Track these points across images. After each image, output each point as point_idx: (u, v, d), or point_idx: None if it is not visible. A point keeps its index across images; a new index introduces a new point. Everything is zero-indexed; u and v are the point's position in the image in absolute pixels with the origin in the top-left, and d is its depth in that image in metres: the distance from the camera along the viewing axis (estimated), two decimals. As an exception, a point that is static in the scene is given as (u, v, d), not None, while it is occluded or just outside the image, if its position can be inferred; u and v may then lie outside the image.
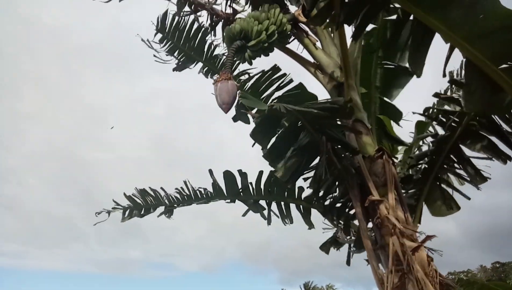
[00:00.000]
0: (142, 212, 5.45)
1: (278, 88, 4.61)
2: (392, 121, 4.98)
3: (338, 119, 3.60)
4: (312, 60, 3.89)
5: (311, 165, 3.71)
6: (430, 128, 4.82)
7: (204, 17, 4.16)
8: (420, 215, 4.22)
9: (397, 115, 4.93)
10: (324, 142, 3.30)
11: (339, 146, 3.57)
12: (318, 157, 3.58)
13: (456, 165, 4.16)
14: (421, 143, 4.98)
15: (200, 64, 5.14)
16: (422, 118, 4.75)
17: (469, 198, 4.40)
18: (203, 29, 4.62)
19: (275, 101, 4.59)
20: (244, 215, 4.98)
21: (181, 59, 5.06)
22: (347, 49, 3.59)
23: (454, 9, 2.43)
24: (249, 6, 3.95)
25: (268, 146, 3.61)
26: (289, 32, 3.20)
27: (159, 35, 4.88)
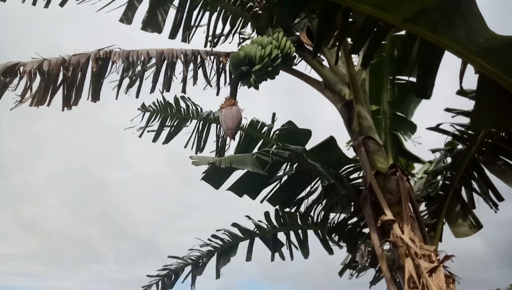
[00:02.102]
0: (172, 279, 5.74)
1: (270, 126, 4.89)
2: (407, 137, 4.92)
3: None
4: (320, 79, 3.92)
5: (310, 189, 3.77)
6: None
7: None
8: (441, 232, 4.06)
9: (411, 130, 4.85)
10: (314, 170, 3.37)
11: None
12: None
13: (474, 181, 4.01)
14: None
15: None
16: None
17: (496, 210, 4.20)
18: None
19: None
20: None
21: None
22: (353, 67, 3.61)
23: (456, 31, 2.42)
24: (255, 34, 4.06)
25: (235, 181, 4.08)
26: (294, 55, 3.25)
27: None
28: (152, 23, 3.55)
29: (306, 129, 4.60)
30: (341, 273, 5.19)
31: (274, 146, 4.50)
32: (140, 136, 4.93)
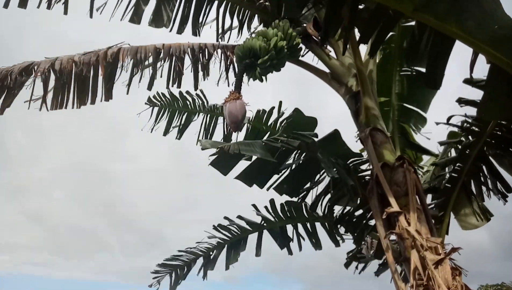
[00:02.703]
0: (185, 271, 5.76)
1: (277, 117, 4.80)
2: (417, 130, 4.86)
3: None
4: (327, 70, 3.89)
5: (317, 179, 3.75)
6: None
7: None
8: (448, 225, 4.04)
9: (420, 122, 4.79)
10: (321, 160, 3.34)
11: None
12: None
13: (482, 173, 3.96)
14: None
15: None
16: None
17: (505, 202, 4.15)
18: None
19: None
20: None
21: None
22: (361, 58, 3.57)
23: (468, 19, 2.36)
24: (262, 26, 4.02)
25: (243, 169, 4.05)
26: (300, 46, 3.22)
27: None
28: (159, 20, 3.57)
29: (312, 117, 4.52)
30: (347, 265, 5.20)
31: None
32: (151, 131, 4.98)
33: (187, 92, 4.84)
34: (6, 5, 3.49)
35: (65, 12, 3.51)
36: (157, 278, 5.82)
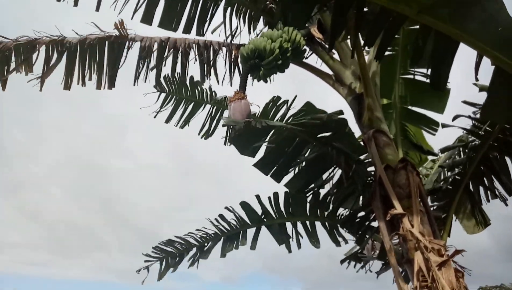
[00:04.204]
0: (177, 260, 5.57)
1: (286, 111, 4.57)
2: (428, 131, 4.84)
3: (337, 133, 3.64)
4: (330, 72, 3.91)
5: (325, 177, 3.72)
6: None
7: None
8: (450, 227, 4.04)
9: (430, 125, 4.77)
10: (334, 155, 3.31)
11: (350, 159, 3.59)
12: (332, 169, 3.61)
13: (486, 177, 3.96)
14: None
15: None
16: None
17: (506, 204, 4.15)
18: None
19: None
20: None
21: None
22: (364, 60, 3.58)
23: (472, 21, 2.37)
24: (267, 28, 4.05)
25: (260, 156, 3.93)
26: (304, 48, 3.24)
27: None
28: (167, 22, 3.61)
29: (323, 110, 4.33)
30: (342, 261, 5.16)
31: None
32: (155, 116, 4.92)
33: (197, 81, 4.74)
34: None
35: (75, 4, 3.54)
36: (148, 263, 5.56)
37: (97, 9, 3.62)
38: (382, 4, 2.59)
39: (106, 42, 3.70)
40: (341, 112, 3.70)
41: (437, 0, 2.33)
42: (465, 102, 4.09)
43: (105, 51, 3.73)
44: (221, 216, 5.12)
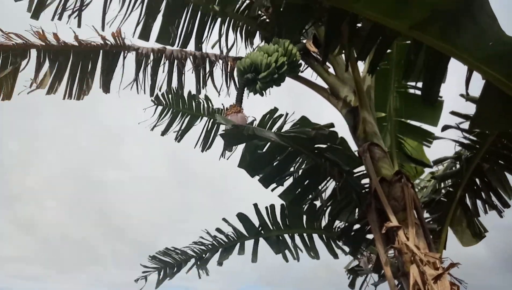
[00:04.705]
0: (174, 270, 5.61)
1: (282, 123, 4.68)
2: (424, 143, 4.89)
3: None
4: (325, 85, 3.96)
5: (320, 189, 3.74)
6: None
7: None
8: (445, 240, 4.05)
9: (425, 137, 4.83)
10: (328, 167, 3.33)
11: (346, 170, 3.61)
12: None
13: (479, 188, 4.00)
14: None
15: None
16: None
17: (501, 216, 4.17)
18: None
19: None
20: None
21: None
22: (359, 73, 3.64)
23: (463, 36, 2.42)
24: (263, 43, 4.12)
25: (251, 161, 3.97)
26: (300, 62, 3.30)
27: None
28: (165, 37, 3.66)
29: (318, 124, 4.26)
30: (351, 285, 5.15)
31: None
32: (152, 129, 4.97)
33: (194, 95, 4.80)
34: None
35: (79, 25, 3.57)
36: (145, 273, 5.63)
37: (103, 28, 3.66)
38: (374, 20, 2.65)
39: (101, 51, 3.71)
40: (331, 125, 3.74)
41: (428, 16, 2.37)
42: (452, 112, 4.14)
43: (99, 59, 3.74)
44: (218, 229, 5.13)
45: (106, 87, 3.74)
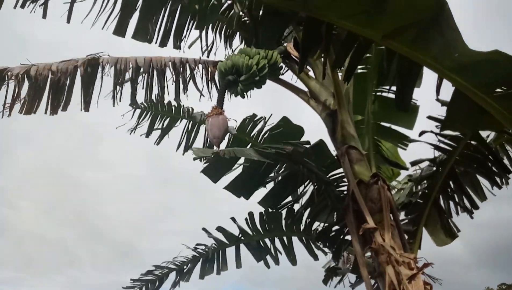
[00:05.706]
0: (156, 285, 5.66)
1: (263, 126, 4.77)
2: (400, 146, 5.06)
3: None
4: (305, 88, 4.01)
5: (300, 193, 3.80)
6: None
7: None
8: (420, 240, 4.18)
9: (400, 140, 4.98)
10: (305, 173, 3.40)
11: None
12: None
13: (452, 191, 4.16)
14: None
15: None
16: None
17: (472, 217, 4.35)
18: None
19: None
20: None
21: None
22: (338, 77, 3.70)
23: (432, 47, 2.53)
24: (243, 44, 4.13)
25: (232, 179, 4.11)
26: (280, 65, 3.32)
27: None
28: (142, 33, 3.57)
29: (299, 126, 4.52)
30: (325, 281, 5.24)
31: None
32: (131, 133, 4.91)
33: (170, 102, 4.81)
34: None
35: (44, 16, 3.40)
36: None
37: (68, 21, 3.49)
38: (348, 28, 2.72)
39: (79, 68, 3.56)
40: (307, 143, 3.93)
41: (400, 26, 2.46)
42: (429, 117, 4.29)
43: (77, 76, 3.58)
44: (198, 244, 5.20)
45: (86, 107, 3.60)
